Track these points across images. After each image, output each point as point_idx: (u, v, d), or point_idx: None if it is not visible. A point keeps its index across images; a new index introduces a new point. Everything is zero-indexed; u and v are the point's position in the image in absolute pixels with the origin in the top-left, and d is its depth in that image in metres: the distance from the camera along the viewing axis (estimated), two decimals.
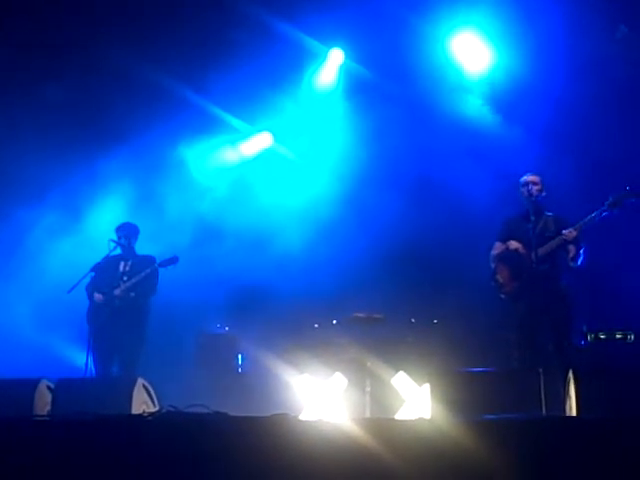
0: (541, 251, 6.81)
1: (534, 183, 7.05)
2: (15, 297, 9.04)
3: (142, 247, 8.13)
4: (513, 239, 7.05)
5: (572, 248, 6.81)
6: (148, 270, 7.70)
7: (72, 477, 4.63)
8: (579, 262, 6.84)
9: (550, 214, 7.08)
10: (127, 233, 7.93)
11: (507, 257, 6.99)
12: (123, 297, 7.66)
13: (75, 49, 9.39)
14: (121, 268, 7.81)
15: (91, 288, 7.76)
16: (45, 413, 5.89)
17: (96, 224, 9.19)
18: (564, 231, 6.80)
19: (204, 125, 9.82)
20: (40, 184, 9.33)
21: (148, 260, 7.87)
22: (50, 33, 9.24)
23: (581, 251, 6.81)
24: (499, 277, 7.00)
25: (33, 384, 6.05)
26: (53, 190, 9.45)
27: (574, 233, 6.77)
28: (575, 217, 6.95)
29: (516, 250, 6.92)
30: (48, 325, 8.85)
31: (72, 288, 7.63)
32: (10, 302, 9.00)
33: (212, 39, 9.35)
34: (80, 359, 7.46)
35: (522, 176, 7.18)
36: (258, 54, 9.33)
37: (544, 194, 7.08)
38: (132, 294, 7.68)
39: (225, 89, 9.49)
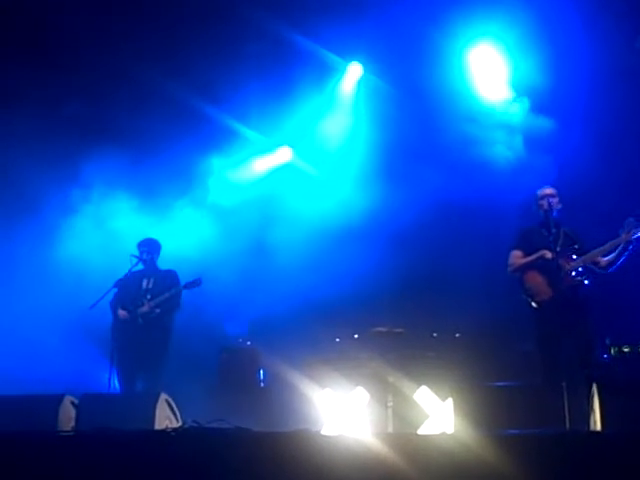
0: (574, 264, 6.80)
1: (552, 196, 7.04)
2: (40, 312, 9.10)
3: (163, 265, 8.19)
4: (533, 249, 7.01)
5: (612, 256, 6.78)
6: (173, 291, 7.74)
7: None
8: (614, 268, 6.81)
9: (566, 228, 7.04)
10: (149, 249, 7.98)
11: (542, 266, 6.92)
12: (148, 314, 7.71)
13: (93, 63, 9.48)
14: (144, 285, 7.85)
15: (115, 304, 7.81)
16: (69, 429, 5.91)
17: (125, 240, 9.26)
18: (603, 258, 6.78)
19: (227, 141, 9.85)
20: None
21: (171, 276, 7.91)
22: (69, 48, 9.34)
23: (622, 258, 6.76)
24: (531, 285, 6.92)
25: (57, 400, 6.09)
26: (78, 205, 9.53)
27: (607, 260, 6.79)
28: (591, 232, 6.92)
29: (552, 259, 6.86)
30: (72, 340, 8.90)
31: (95, 304, 7.67)
32: (35, 318, 9.06)
33: (232, 53, 9.40)
34: (103, 375, 7.49)
35: (538, 189, 7.15)
36: (277, 68, 9.38)
37: (561, 207, 7.06)
38: (157, 310, 7.72)
39: (244, 103, 9.54)
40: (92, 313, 7.72)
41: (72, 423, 5.98)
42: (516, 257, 7.09)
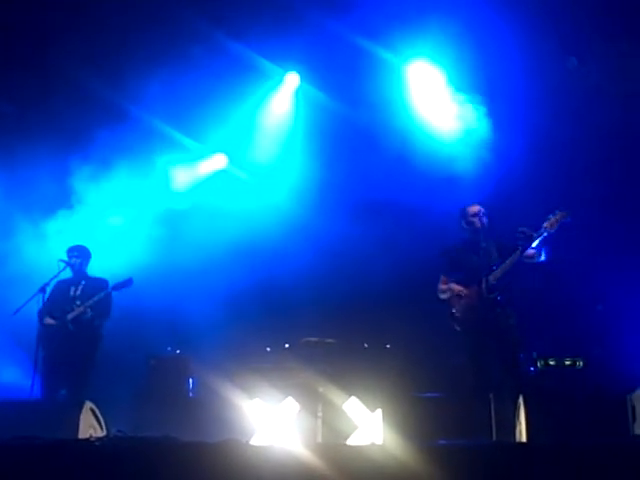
0: (492, 278, 6.87)
1: (484, 213, 7.13)
2: None
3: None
4: (458, 270, 7.08)
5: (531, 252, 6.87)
6: (102, 294, 7.59)
7: None
8: (542, 258, 6.89)
9: (491, 241, 7.14)
10: (80, 254, 7.82)
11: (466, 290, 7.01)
12: (78, 318, 7.53)
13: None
14: (72, 292, 7.69)
15: (42, 312, 7.60)
16: None
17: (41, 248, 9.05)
18: (526, 252, 6.83)
19: (157, 144, 9.73)
20: None
21: (100, 283, 7.76)
22: None
23: (542, 250, 6.84)
24: (455, 310, 7.01)
25: None
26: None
27: (531, 252, 6.86)
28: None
29: (460, 293, 6.96)
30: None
31: (18, 310, 7.47)
32: None
33: (167, 57, 9.29)
34: (24, 382, 7.28)
35: (467, 205, 7.23)
36: (214, 74, 9.32)
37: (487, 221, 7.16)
38: (89, 312, 7.55)
39: (178, 109, 9.45)
40: (16, 318, 7.53)
41: None
42: (442, 283, 7.15)
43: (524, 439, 5.48)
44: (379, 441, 5.90)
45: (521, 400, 5.67)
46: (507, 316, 6.88)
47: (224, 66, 9.34)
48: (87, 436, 5.74)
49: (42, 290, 7.53)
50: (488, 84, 9.13)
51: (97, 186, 9.57)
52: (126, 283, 7.60)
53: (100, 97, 9.43)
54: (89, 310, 7.54)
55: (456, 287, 7.00)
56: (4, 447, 5.12)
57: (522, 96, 8.82)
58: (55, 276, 7.68)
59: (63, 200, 9.49)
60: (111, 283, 7.74)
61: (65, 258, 7.77)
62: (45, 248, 9.03)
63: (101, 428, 6.08)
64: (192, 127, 9.83)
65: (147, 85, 9.29)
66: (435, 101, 9.64)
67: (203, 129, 9.91)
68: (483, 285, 6.86)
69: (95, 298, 7.56)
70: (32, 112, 9.43)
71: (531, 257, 6.86)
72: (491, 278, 6.86)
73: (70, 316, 7.53)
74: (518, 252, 6.78)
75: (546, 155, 8.76)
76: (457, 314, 6.95)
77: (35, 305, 7.61)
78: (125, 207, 9.73)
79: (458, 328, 6.97)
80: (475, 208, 7.17)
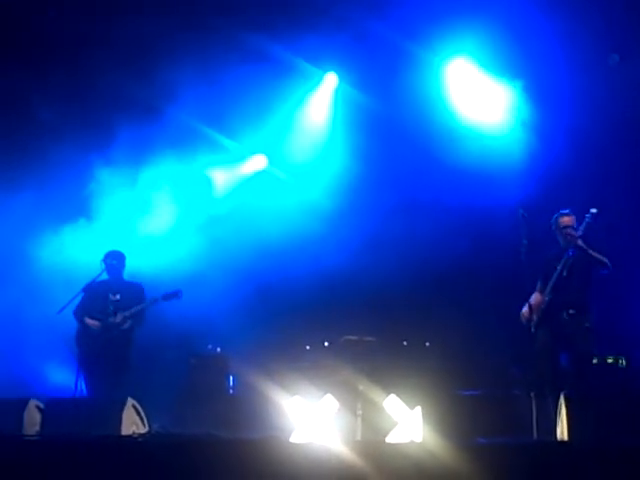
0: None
1: (574, 227, 6.96)
2: (6, 316, 9.01)
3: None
4: (545, 279, 6.99)
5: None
6: (142, 306, 7.71)
7: None
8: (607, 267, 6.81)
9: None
10: (118, 259, 7.94)
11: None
12: (119, 326, 7.66)
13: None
14: (111, 296, 7.80)
15: (81, 312, 7.75)
16: (34, 433, 5.85)
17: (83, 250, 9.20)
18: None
19: (197, 146, 9.82)
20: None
21: (137, 289, 7.89)
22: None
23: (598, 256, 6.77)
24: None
25: (23, 403, 6.02)
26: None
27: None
28: None
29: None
30: (38, 345, 8.81)
31: (62, 308, 7.60)
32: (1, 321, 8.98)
33: (205, 55, 9.36)
34: (70, 380, 7.41)
35: (561, 214, 7.06)
36: (253, 75, 9.37)
37: None
38: (129, 322, 7.68)
39: (217, 111, 9.52)
40: (59, 318, 7.66)
41: (37, 427, 5.90)
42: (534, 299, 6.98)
43: (565, 438, 5.43)
44: (418, 439, 5.89)
45: (562, 399, 5.62)
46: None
47: (263, 67, 9.39)
48: (130, 433, 5.84)
49: (84, 290, 7.65)
50: (529, 80, 9.06)
51: (135, 189, 9.70)
52: (176, 294, 7.70)
53: (137, 98, 9.52)
54: (129, 321, 7.67)
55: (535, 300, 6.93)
56: (51, 443, 5.25)
57: (564, 92, 8.74)
58: (97, 277, 7.78)
59: (100, 202, 9.59)
60: (159, 291, 7.79)
61: (104, 261, 7.87)
62: (84, 250, 9.15)
63: (143, 425, 6.16)
64: (232, 128, 9.87)
65: (186, 87, 9.36)
66: (475, 98, 9.59)
67: (242, 130, 9.95)
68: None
69: (134, 310, 7.67)
70: (69, 115, 9.55)
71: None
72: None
73: (112, 321, 7.66)
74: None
75: (586, 152, 8.66)
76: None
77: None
78: (165, 208, 9.82)
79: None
80: (568, 219, 7.02)
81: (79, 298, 7.69)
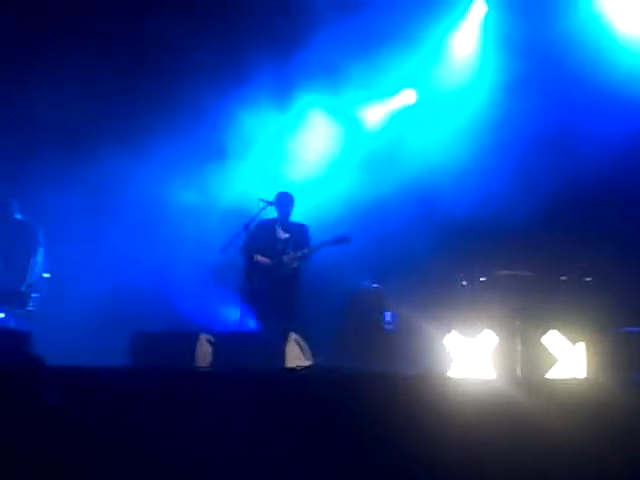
0: None
1: None
2: (176, 255, 9.47)
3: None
4: None
5: None
6: (314, 247, 7.96)
7: (229, 429, 4.85)
8: None
9: None
10: (287, 200, 8.16)
11: None
12: (287, 265, 7.93)
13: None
14: (279, 234, 8.06)
15: (249, 248, 8.02)
16: (207, 365, 6.19)
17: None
18: None
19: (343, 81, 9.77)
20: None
21: (305, 229, 8.10)
22: None
23: None
24: None
25: (194, 337, 6.37)
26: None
27: None
28: None
29: None
30: (206, 281, 9.26)
31: (226, 247, 7.91)
32: (172, 260, 9.46)
33: None
34: (236, 315, 7.75)
35: None
36: (397, 6, 9.18)
37: None
38: (295, 264, 7.95)
39: (363, 43, 9.40)
40: (223, 254, 8.01)
41: (209, 359, 6.24)
42: None
43: None
44: (581, 375, 5.77)
45: None
46: None
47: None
48: (293, 366, 6.07)
49: (245, 228, 7.92)
50: None
51: (281, 128, 9.83)
52: (346, 239, 7.86)
53: (279, 35, 9.53)
54: (296, 261, 7.92)
55: None
56: (216, 375, 5.55)
57: None
58: (256, 215, 8.02)
59: (247, 143, 9.76)
60: (329, 234, 8.00)
61: (276, 201, 8.09)
62: (233, 190, 9.43)
63: (306, 359, 6.38)
64: (378, 62, 9.74)
65: (329, 20, 9.29)
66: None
67: (389, 64, 9.80)
68: None
69: (304, 251, 7.92)
70: (217, 55, 9.73)
71: None
72: None
73: (285, 259, 7.92)
74: None
75: None
76: None
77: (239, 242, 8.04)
78: (315, 148, 9.91)
79: None
80: None
81: (243, 236, 7.95)
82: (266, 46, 9.51)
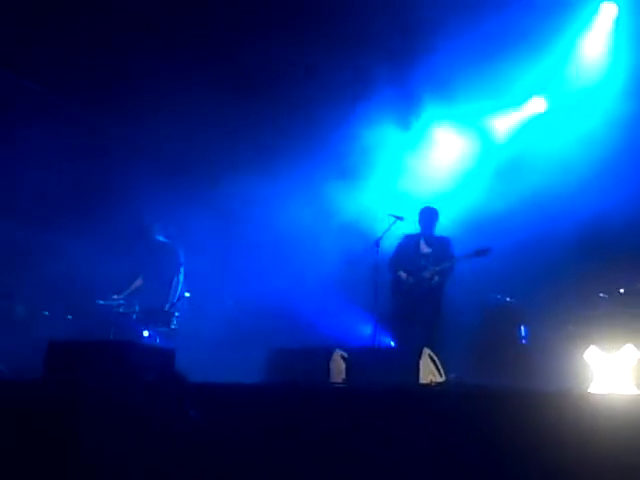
0: None
1: None
2: (308, 271, 9.64)
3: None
4: None
5: None
6: (453, 261, 7.97)
7: (364, 444, 4.88)
8: None
9: None
10: (432, 215, 8.22)
11: None
12: (428, 281, 7.96)
13: None
14: (423, 250, 8.09)
15: (395, 264, 8.14)
16: (340, 380, 6.25)
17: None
18: None
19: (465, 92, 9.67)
20: None
21: (448, 243, 8.10)
22: None
23: None
24: None
25: (328, 352, 6.45)
26: None
27: None
28: None
29: None
30: (337, 297, 9.37)
31: (355, 263, 8.01)
32: (304, 277, 9.63)
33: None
34: (369, 330, 7.79)
35: None
36: (520, 15, 9.01)
37: None
38: (435, 280, 7.95)
39: (487, 51, 9.26)
40: (351, 270, 8.09)
41: (343, 375, 6.30)
42: None
43: None
44: None
45: None
46: None
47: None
48: (427, 382, 6.03)
49: (376, 244, 7.98)
50: None
51: (406, 143, 9.82)
52: (487, 251, 7.80)
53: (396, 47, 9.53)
54: (436, 277, 7.91)
55: None
56: (355, 390, 5.60)
57: None
58: (386, 230, 8.06)
59: (374, 159, 9.82)
60: (469, 247, 7.99)
61: (420, 215, 8.15)
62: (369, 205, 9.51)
63: (440, 374, 6.33)
64: (504, 70, 9.57)
65: (451, 35, 9.21)
66: None
67: (517, 72, 9.62)
68: None
69: (444, 266, 7.93)
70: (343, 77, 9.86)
71: None
72: None
73: (423, 275, 7.93)
74: None
75: None
76: None
77: (370, 258, 8.09)
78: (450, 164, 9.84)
79: None
80: None
81: (375, 252, 7.98)
82: (386, 62, 9.57)
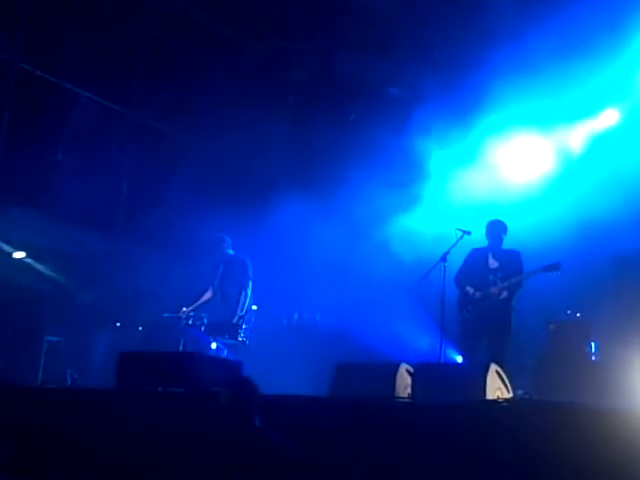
0: None
1: None
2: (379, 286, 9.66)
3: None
4: None
5: None
6: (522, 276, 7.87)
7: (429, 460, 4.86)
8: None
9: None
10: (500, 228, 8.14)
11: None
12: (497, 296, 7.88)
13: None
14: (491, 264, 8.02)
15: (462, 279, 8.09)
16: (406, 395, 6.24)
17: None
18: None
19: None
20: None
21: (516, 257, 8.00)
22: None
23: None
24: None
25: (394, 367, 6.45)
26: None
27: None
28: None
29: None
30: (407, 311, 9.36)
31: (425, 276, 7.97)
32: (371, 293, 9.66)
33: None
34: (437, 345, 7.76)
35: None
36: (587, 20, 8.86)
37: None
38: (504, 295, 7.87)
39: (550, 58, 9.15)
40: (419, 284, 8.07)
41: (408, 390, 6.29)
42: None
43: None
44: None
45: None
46: None
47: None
48: (494, 398, 5.97)
49: (443, 259, 7.94)
50: None
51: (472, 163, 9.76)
52: (556, 266, 7.69)
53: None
54: (505, 292, 7.83)
55: None
56: (421, 405, 5.58)
57: None
58: (453, 245, 8.01)
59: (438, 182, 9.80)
60: (538, 262, 7.87)
61: (488, 229, 8.10)
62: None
63: (507, 390, 6.26)
64: (573, 81, 9.40)
65: (510, 42, 9.11)
66: None
67: (585, 81, 9.42)
68: None
69: (512, 281, 7.82)
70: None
71: None
72: None
73: (490, 291, 7.88)
74: None
75: None
76: None
77: (437, 272, 8.06)
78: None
79: None
80: None
81: (442, 267, 7.93)
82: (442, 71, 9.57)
